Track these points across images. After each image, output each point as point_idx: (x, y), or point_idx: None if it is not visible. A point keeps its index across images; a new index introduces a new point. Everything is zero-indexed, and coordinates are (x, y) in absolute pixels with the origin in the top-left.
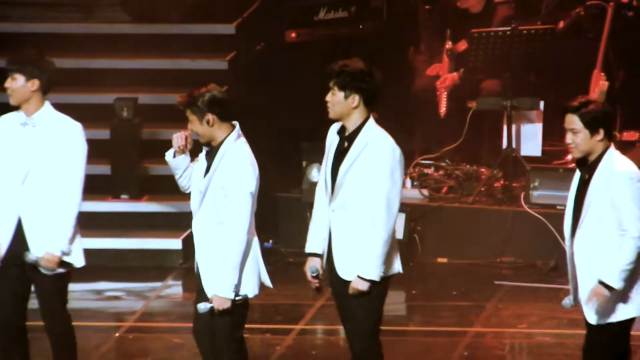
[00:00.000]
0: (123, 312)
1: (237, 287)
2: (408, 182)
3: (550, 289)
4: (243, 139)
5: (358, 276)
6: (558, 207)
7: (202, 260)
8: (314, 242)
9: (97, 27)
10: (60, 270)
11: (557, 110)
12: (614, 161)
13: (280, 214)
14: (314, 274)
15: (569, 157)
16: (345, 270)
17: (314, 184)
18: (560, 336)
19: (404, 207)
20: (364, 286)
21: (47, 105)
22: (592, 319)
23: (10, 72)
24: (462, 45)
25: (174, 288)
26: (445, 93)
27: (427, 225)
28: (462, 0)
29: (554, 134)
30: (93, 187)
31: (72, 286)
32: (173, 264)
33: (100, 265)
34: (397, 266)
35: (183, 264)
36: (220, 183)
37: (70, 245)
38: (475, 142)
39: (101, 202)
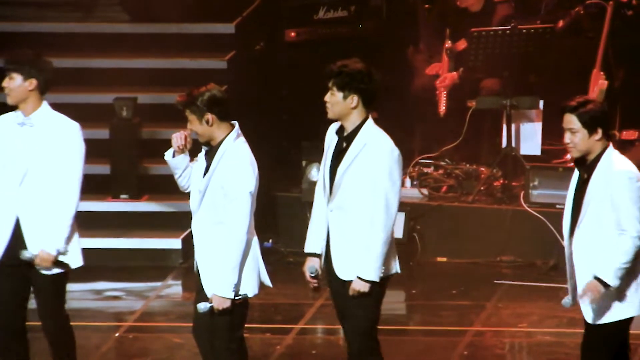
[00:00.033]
0: (123, 311)
1: (237, 286)
2: (408, 181)
3: (550, 288)
4: (242, 139)
5: (358, 277)
6: (557, 206)
7: (202, 259)
8: (313, 242)
9: (96, 26)
10: (58, 270)
11: (557, 110)
12: (613, 161)
13: (280, 214)
14: (313, 274)
15: (569, 156)
16: (343, 270)
17: (314, 184)
18: (560, 335)
19: (403, 206)
20: (364, 287)
21: (45, 105)
22: (590, 318)
23: (7, 72)
24: (462, 45)
25: (174, 288)
26: (445, 92)
27: (426, 224)
28: None
29: (553, 133)
30: (93, 186)
31: (72, 286)
32: (173, 264)
33: (100, 265)
34: (396, 266)
35: (183, 264)
36: (220, 183)
37: (67, 245)
38: (475, 141)
39: (101, 202)
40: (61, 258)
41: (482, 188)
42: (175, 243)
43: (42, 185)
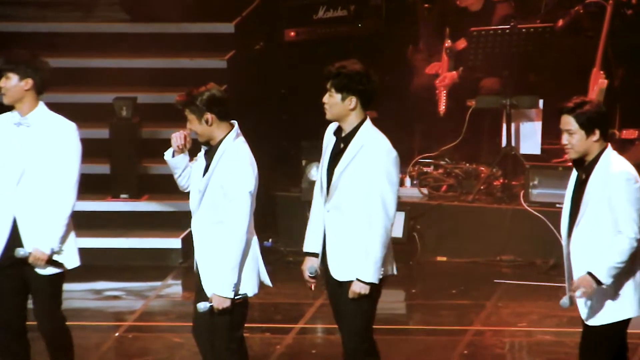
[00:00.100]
0: (123, 311)
1: (237, 286)
2: (407, 180)
3: (550, 287)
4: (242, 138)
5: (357, 279)
6: (557, 205)
7: (202, 259)
8: (312, 242)
9: (96, 26)
10: (54, 270)
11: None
12: (611, 162)
13: (279, 213)
14: (312, 274)
15: None
16: (339, 271)
17: (314, 183)
18: (560, 334)
19: (403, 205)
20: (364, 289)
21: (42, 105)
22: (588, 319)
23: (3, 72)
24: (461, 44)
25: (174, 287)
26: (445, 91)
27: (426, 223)
28: None
29: (553, 132)
30: (92, 186)
31: (72, 286)
32: (173, 263)
33: (100, 265)
34: (392, 268)
35: (183, 263)
36: (219, 182)
37: (61, 244)
38: (475, 141)
39: (100, 202)
40: (57, 258)
41: (482, 187)
42: (175, 243)
43: (39, 185)
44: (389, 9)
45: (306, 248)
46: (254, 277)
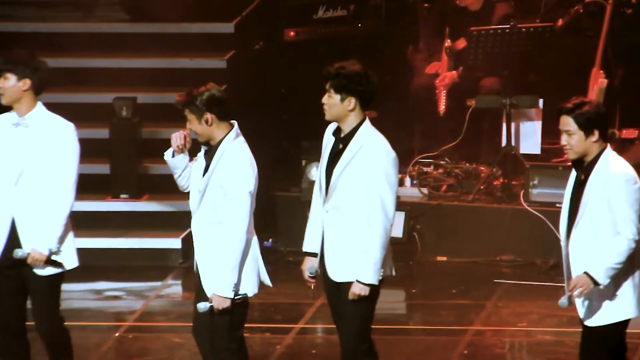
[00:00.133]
0: (123, 311)
1: (237, 286)
2: (407, 180)
3: (550, 287)
4: (242, 138)
5: (357, 281)
6: (557, 205)
7: (202, 259)
8: (312, 241)
9: (96, 26)
10: (53, 270)
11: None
12: (610, 163)
13: (279, 213)
14: (312, 274)
15: None
16: (336, 271)
17: (314, 183)
18: (560, 334)
19: (403, 205)
20: (364, 290)
21: (40, 105)
22: (587, 319)
23: (1, 72)
24: (461, 44)
25: (174, 287)
26: (445, 91)
27: (426, 223)
28: None
29: (553, 131)
30: (92, 186)
31: (72, 286)
32: (173, 264)
33: (100, 265)
34: (391, 268)
35: (183, 263)
36: (219, 182)
37: (59, 245)
38: (475, 141)
39: (101, 202)
40: (55, 258)
41: (481, 187)
42: (175, 243)
43: (38, 186)
44: (389, 9)
45: (306, 248)
46: (254, 277)
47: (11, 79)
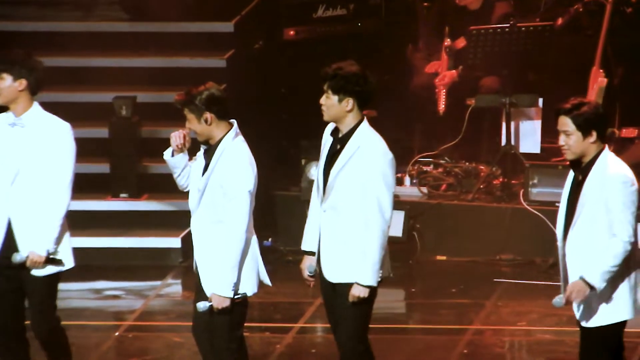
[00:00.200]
0: (123, 311)
1: (236, 285)
2: (407, 179)
3: (550, 286)
4: (241, 137)
5: (357, 283)
6: (557, 204)
7: (201, 258)
8: (310, 240)
9: (96, 25)
10: (52, 269)
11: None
12: (608, 164)
13: (279, 212)
14: (311, 273)
15: None
16: (332, 272)
17: (313, 182)
18: (560, 333)
19: (403, 204)
20: (363, 292)
21: (36, 105)
22: (584, 321)
23: None
24: (461, 43)
25: (174, 287)
26: (444, 90)
27: (426, 222)
28: None
29: (552, 131)
30: (92, 185)
31: (71, 285)
32: (172, 263)
33: (100, 264)
34: (389, 269)
35: (182, 263)
36: (219, 182)
37: (57, 246)
38: (474, 140)
39: (100, 201)
40: (53, 256)
41: (481, 186)
42: (174, 242)
43: (34, 186)
44: (389, 8)
45: (304, 247)
46: (253, 276)
47: (7, 79)
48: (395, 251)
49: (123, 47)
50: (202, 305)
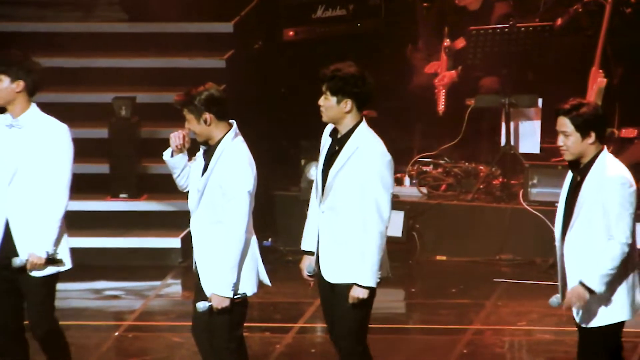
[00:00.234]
0: (122, 311)
1: (236, 285)
2: (407, 179)
3: (550, 286)
4: (240, 138)
5: (356, 284)
6: (556, 204)
7: (201, 259)
8: (310, 240)
9: (95, 26)
10: (53, 269)
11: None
12: (607, 165)
13: (278, 212)
14: (311, 273)
15: None
16: (331, 273)
17: (312, 182)
18: (560, 333)
19: (402, 204)
20: (363, 294)
21: (34, 106)
22: (582, 321)
23: None
24: (460, 43)
25: (173, 287)
26: (444, 91)
27: (425, 223)
28: None
29: (552, 131)
30: (92, 186)
31: (71, 285)
32: (172, 263)
33: (99, 265)
34: (387, 269)
35: (182, 263)
36: (218, 182)
37: (56, 247)
38: (474, 140)
39: (100, 201)
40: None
41: (481, 186)
42: (174, 242)
43: (31, 187)
44: (388, 8)
45: (304, 246)
46: (253, 276)
47: (5, 81)
48: (395, 251)
49: (123, 48)
50: (201, 305)
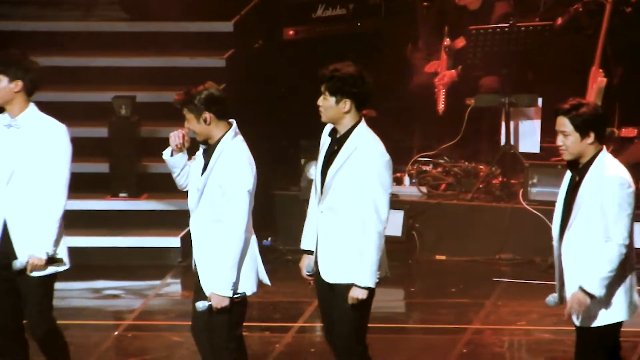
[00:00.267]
0: (122, 310)
1: (235, 285)
2: (406, 179)
3: (549, 285)
4: (240, 137)
5: (355, 285)
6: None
7: (200, 258)
8: (309, 239)
9: (95, 25)
10: (54, 268)
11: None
12: (605, 166)
13: (278, 212)
14: (310, 272)
15: None
16: (329, 273)
17: (312, 182)
18: (559, 333)
19: (402, 204)
20: (362, 294)
21: (32, 106)
22: (580, 322)
23: None
24: (460, 42)
25: (173, 286)
26: (444, 90)
27: (425, 222)
28: None
29: (552, 130)
30: (91, 185)
31: (70, 285)
32: (172, 262)
33: (99, 264)
34: (386, 269)
35: (182, 262)
36: (218, 181)
37: (55, 247)
38: (474, 139)
39: (100, 201)
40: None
41: (481, 186)
42: (174, 241)
43: (29, 187)
44: (388, 8)
45: (303, 246)
46: (252, 275)
47: (3, 81)
48: (395, 251)
49: (122, 47)
50: (201, 305)
